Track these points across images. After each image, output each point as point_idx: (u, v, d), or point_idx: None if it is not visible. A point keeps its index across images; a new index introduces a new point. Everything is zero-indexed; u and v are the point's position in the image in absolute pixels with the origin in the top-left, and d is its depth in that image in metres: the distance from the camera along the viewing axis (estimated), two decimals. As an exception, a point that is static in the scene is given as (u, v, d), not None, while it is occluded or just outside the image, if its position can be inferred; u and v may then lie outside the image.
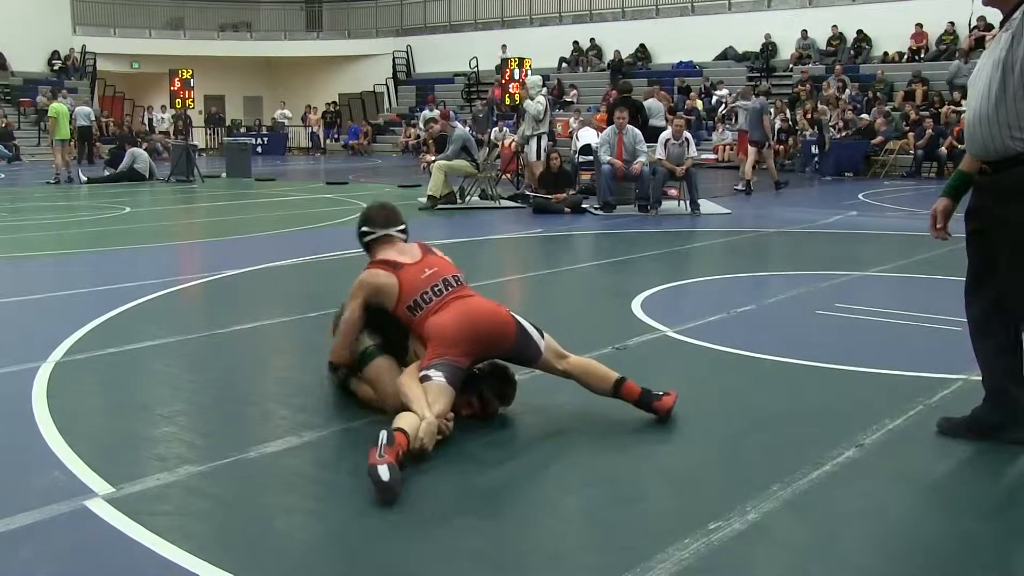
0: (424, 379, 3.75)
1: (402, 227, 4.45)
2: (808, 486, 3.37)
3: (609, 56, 29.44)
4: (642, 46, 29.10)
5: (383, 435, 3.32)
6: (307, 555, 2.91)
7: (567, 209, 12.82)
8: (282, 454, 3.78)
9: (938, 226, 3.91)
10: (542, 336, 4.08)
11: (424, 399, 3.65)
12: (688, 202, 13.00)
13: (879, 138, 20.48)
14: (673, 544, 2.90)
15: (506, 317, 4.04)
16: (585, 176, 14.81)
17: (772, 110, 18.86)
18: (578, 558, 2.91)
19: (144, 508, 3.20)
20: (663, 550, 2.87)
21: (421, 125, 26.40)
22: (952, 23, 23.77)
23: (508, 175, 15.79)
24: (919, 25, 24.22)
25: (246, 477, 3.54)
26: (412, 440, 3.46)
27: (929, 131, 19.88)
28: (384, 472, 3.16)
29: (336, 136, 33.75)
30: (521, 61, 15.43)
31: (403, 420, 3.54)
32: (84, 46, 32.15)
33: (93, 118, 26.96)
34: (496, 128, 21.30)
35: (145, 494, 3.33)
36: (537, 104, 14.66)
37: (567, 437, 3.98)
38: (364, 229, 4.42)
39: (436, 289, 4.06)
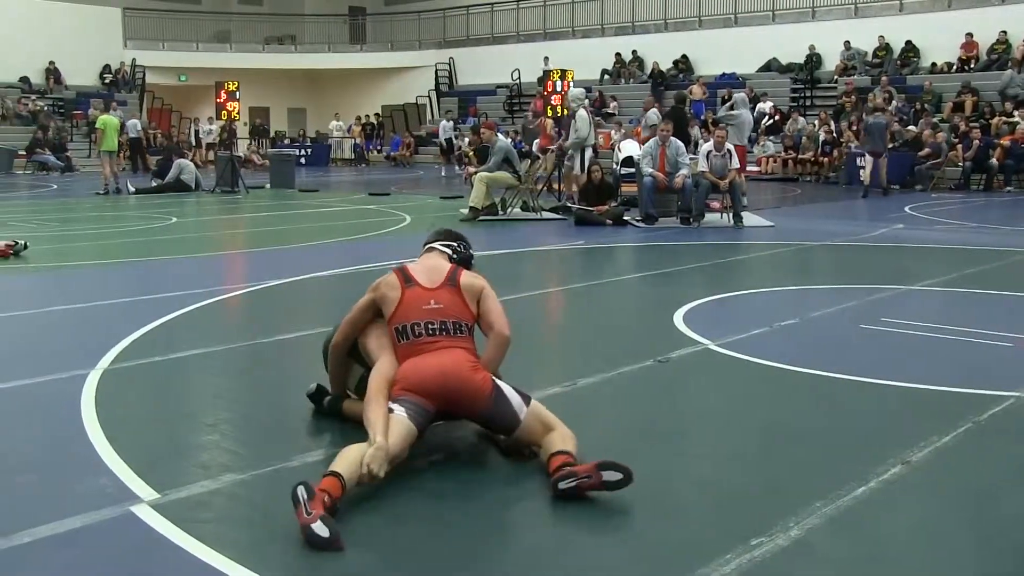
0: (389, 410, 3.65)
1: (447, 243, 4.34)
2: (852, 503, 3.33)
3: (650, 67, 29.41)
4: (683, 56, 28.97)
5: (301, 491, 3.09)
6: (347, 563, 2.92)
7: (609, 221, 12.79)
8: (323, 463, 3.80)
9: None
10: (526, 404, 3.75)
11: (384, 425, 3.53)
12: (731, 214, 12.93)
13: (927, 150, 20.19)
14: (715, 560, 2.88)
15: (479, 384, 3.74)
16: (627, 188, 14.77)
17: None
18: (613, 572, 2.89)
19: (188, 515, 3.24)
20: (705, 565, 2.85)
21: (459, 135, 26.76)
22: (1005, 32, 23.40)
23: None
24: (969, 35, 23.87)
25: (288, 486, 3.56)
26: (348, 477, 3.27)
27: (976, 142, 19.55)
28: (320, 528, 2.97)
29: (379, 147, 34.01)
30: (563, 73, 15.43)
31: (341, 460, 3.36)
32: (134, 60, 32.76)
33: (140, 129, 27.55)
34: (538, 139, 21.31)
35: (189, 501, 3.37)
36: (578, 123, 14.64)
37: (605, 451, 3.96)
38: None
39: (431, 328, 3.88)
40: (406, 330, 3.89)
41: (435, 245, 4.30)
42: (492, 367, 3.94)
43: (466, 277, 4.07)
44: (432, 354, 3.81)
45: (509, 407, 3.72)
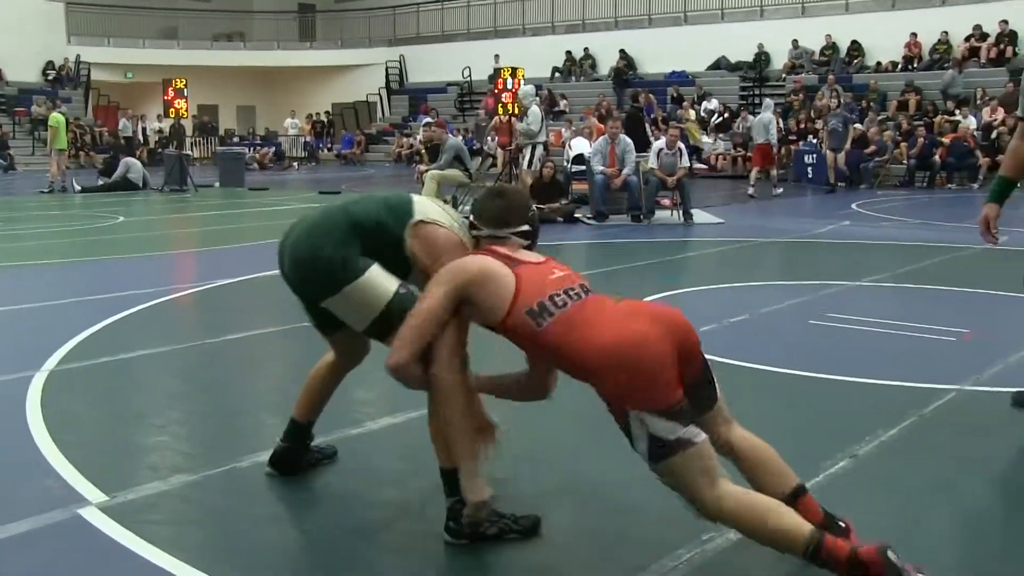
0: (688, 444, 2.82)
1: (523, 229, 3.26)
2: (801, 495, 3.37)
3: (602, 65, 29.55)
4: (626, 55, 28.98)
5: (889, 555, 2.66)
6: (300, 565, 2.91)
7: (559, 219, 12.83)
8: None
9: (992, 231, 4.21)
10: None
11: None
12: (681, 212, 13.04)
13: (872, 148, 20.48)
14: (666, 555, 2.91)
15: (688, 321, 2.96)
16: (578, 186, 14.81)
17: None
18: (568, 569, 2.91)
19: (137, 517, 3.20)
20: (656, 560, 2.87)
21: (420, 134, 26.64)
22: (946, 32, 23.87)
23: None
24: (913, 34, 24.31)
25: (238, 486, 3.54)
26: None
27: (921, 139, 19.90)
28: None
29: (329, 146, 33.77)
30: (514, 71, 15.44)
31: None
32: (78, 56, 32.13)
33: (133, 131, 27.87)
34: (490, 138, 21.32)
35: (138, 503, 3.33)
36: (530, 118, 14.61)
37: (553, 445, 3.98)
38: (472, 223, 3.30)
39: (574, 293, 2.96)
40: (545, 308, 2.87)
41: (502, 234, 3.22)
42: None
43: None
44: (606, 324, 2.89)
45: (712, 374, 3.11)
